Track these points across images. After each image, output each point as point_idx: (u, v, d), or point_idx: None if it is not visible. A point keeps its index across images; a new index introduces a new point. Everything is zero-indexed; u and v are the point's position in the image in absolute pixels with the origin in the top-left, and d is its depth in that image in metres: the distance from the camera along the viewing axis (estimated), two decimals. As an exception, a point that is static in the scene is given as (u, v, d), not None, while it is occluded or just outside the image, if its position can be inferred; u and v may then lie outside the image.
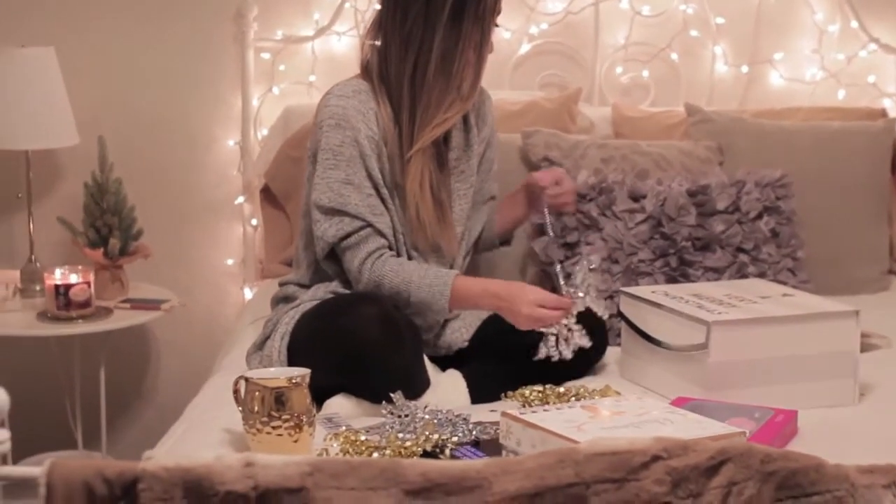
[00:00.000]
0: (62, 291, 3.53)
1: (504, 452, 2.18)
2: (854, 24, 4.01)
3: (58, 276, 3.54)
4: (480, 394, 2.74)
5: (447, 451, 2.24)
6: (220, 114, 4.00)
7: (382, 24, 2.79)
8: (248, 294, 3.97)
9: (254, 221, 3.97)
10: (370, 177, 2.73)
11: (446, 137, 2.88)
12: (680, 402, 2.49)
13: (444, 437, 2.25)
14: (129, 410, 4.12)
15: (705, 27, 4.01)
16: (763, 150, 3.61)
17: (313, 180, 2.75)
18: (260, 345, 2.84)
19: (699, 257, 3.20)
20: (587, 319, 2.82)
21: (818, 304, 2.79)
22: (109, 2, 3.93)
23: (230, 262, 4.05)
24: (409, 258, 2.81)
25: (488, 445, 2.26)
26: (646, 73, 4.02)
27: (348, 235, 2.72)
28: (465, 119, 2.92)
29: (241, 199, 3.98)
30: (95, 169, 3.75)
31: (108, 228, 3.71)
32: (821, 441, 2.43)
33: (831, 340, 2.70)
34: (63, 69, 3.72)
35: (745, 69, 4.04)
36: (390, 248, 2.76)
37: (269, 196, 3.86)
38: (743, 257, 3.23)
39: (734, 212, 3.26)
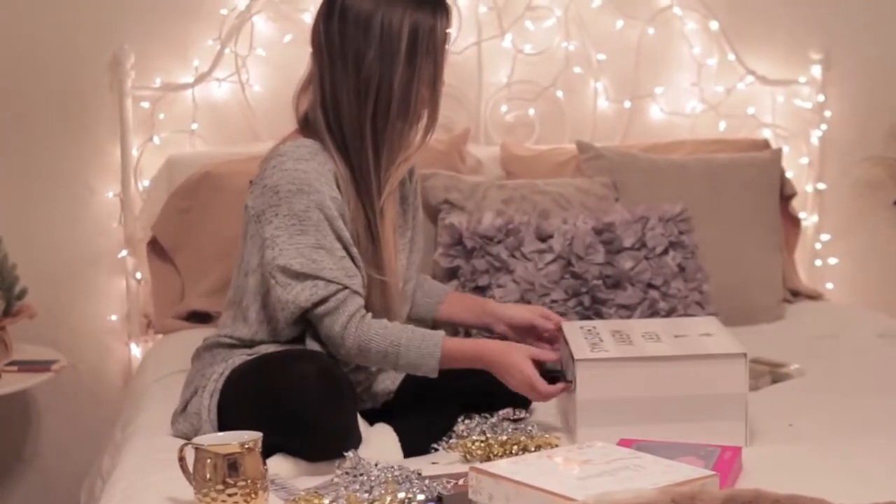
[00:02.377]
0: (-54, 357, 3.38)
1: (473, 508, 2.13)
2: (731, 56, 4.08)
3: (-59, 342, 3.39)
4: (410, 446, 2.69)
5: (412, 510, 2.18)
6: (98, 165, 3.87)
7: (326, 75, 2.70)
8: (135, 350, 3.85)
9: (138, 275, 3.85)
10: (340, 238, 2.65)
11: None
12: (624, 444, 2.47)
13: (409, 495, 2.18)
14: (12, 476, 3.95)
15: (587, 64, 4.04)
16: (656, 184, 3.65)
17: (276, 245, 2.62)
18: (184, 407, 2.73)
19: (611, 295, 3.20)
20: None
21: (708, 346, 2.74)
22: (-18, 52, 3.79)
23: (114, 317, 3.92)
24: None
25: (453, 501, 2.20)
26: (531, 111, 4.03)
27: (324, 300, 2.63)
28: (407, 195, 2.87)
29: (124, 253, 3.85)
30: (-26, 228, 3.59)
31: (-9, 289, 3.55)
32: (768, 476, 2.43)
33: (717, 382, 2.65)
34: (-67, 127, 3.58)
35: (627, 104, 4.07)
36: (366, 308, 2.69)
37: (155, 248, 3.75)
38: (653, 293, 3.24)
39: (641, 248, 3.28)
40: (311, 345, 2.71)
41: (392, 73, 2.67)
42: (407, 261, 2.90)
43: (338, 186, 2.68)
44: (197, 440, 2.25)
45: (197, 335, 3.05)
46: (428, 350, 2.65)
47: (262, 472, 2.21)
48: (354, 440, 2.60)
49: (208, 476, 2.18)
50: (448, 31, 2.74)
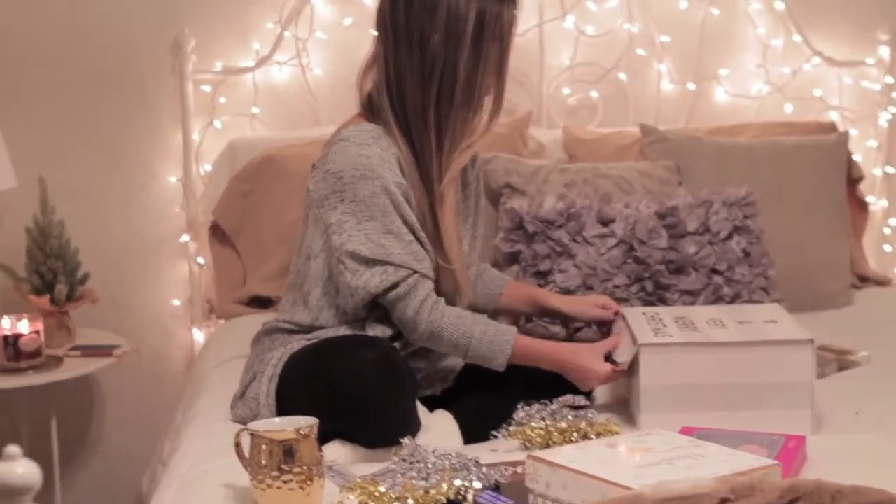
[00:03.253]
0: (11, 342, 3.40)
1: (531, 496, 2.10)
2: (797, 38, 4.01)
3: (6, 326, 3.40)
4: (470, 433, 2.66)
5: (469, 498, 2.15)
6: (160, 149, 3.88)
7: (391, 59, 2.67)
8: (197, 335, 3.85)
9: (200, 260, 3.85)
10: (406, 223, 2.63)
11: None
12: (687, 432, 2.43)
13: (465, 482, 2.16)
14: (78, 460, 3.97)
15: (650, 45, 3.99)
16: (721, 168, 3.59)
17: (344, 231, 2.61)
18: (243, 392, 2.73)
19: (674, 280, 3.16)
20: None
21: (774, 332, 2.70)
22: (44, 39, 3.79)
23: (176, 302, 3.93)
24: None
25: (511, 489, 2.18)
26: (594, 94, 3.98)
27: (395, 286, 2.61)
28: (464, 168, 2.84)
29: (185, 238, 3.85)
30: (37, 212, 3.60)
31: (53, 274, 3.56)
32: (834, 465, 2.38)
33: (783, 369, 2.61)
34: (-3, 109, 3.59)
35: (691, 86, 4.01)
36: (437, 294, 2.67)
37: (217, 233, 3.75)
38: (717, 279, 3.19)
39: (704, 233, 3.22)
40: (373, 329, 2.69)
41: (457, 57, 2.64)
42: (469, 247, 2.88)
43: (402, 171, 2.66)
44: (252, 426, 2.24)
45: (258, 320, 3.04)
46: (499, 346, 2.65)
47: (318, 459, 2.19)
48: (414, 427, 2.59)
49: (264, 462, 2.16)
50: (514, 16, 2.71)
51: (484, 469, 2.25)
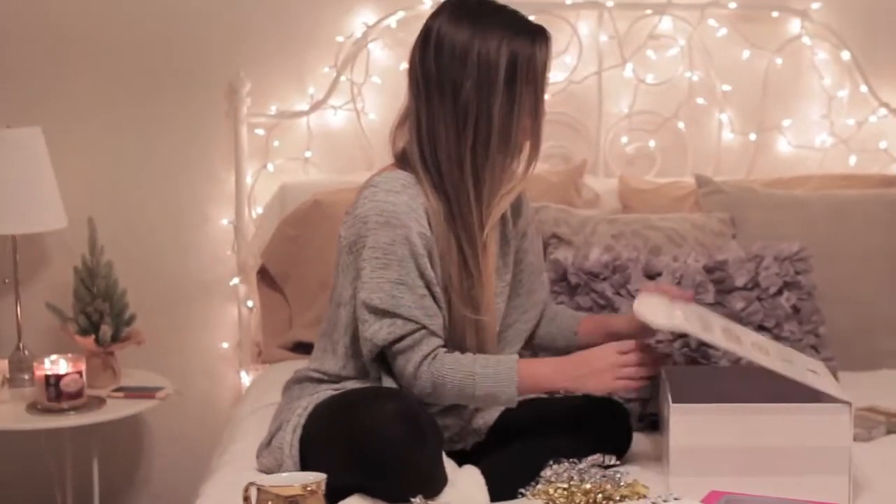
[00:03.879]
0: (52, 382, 3.41)
1: (536, 562, 2.04)
2: (864, 88, 3.91)
3: (48, 366, 3.41)
4: (499, 490, 2.60)
5: (476, 560, 2.09)
6: (212, 192, 3.88)
7: (423, 109, 2.62)
8: (245, 378, 3.83)
9: (249, 303, 3.83)
10: (422, 276, 2.57)
11: None
12: (714, 497, 2.36)
13: (471, 545, 2.11)
14: (122, 501, 3.97)
15: (711, 95, 3.91)
16: (776, 221, 3.51)
17: (361, 278, 2.57)
18: (269, 441, 2.69)
19: (719, 337, 3.07)
20: (608, 405, 2.73)
21: (814, 381, 2.60)
22: (97, 79, 3.82)
23: (225, 345, 3.92)
24: None
25: (519, 553, 2.12)
26: (652, 143, 3.92)
27: (401, 339, 2.56)
28: (503, 214, 2.77)
29: (235, 281, 3.84)
30: (85, 252, 3.62)
31: (100, 314, 3.57)
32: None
33: (820, 434, 2.51)
34: (50, 149, 3.62)
35: (752, 137, 3.93)
36: (444, 348, 2.62)
37: (265, 277, 3.73)
38: (764, 335, 3.09)
39: (753, 288, 3.14)
40: (388, 382, 2.64)
41: (491, 103, 2.59)
42: (507, 305, 2.81)
43: (428, 222, 2.61)
44: (260, 480, 2.20)
45: (301, 366, 3.00)
46: (504, 375, 2.57)
47: (325, 516, 2.14)
48: (438, 482, 2.53)
49: (269, 518, 2.13)
50: (547, 57, 2.65)
51: (497, 530, 2.19)
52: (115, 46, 3.81)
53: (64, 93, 3.81)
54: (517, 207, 2.85)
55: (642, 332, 2.77)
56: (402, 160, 2.69)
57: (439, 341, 2.59)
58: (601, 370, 2.62)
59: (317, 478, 2.17)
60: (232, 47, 3.83)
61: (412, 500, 2.28)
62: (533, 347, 2.96)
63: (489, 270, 2.68)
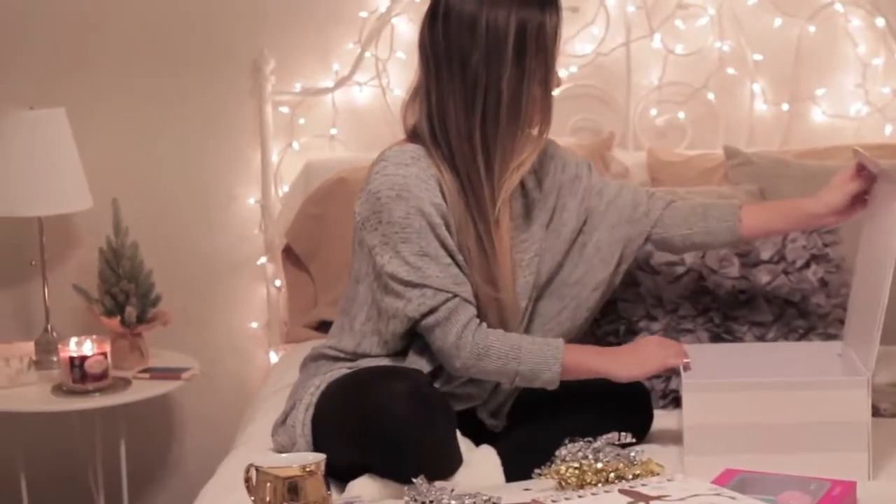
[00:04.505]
0: (77, 364, 3.41)
1: (536, 543, 2.01)
2: (899, 56, 3.83)
3: (72, 348, 3.41)
4: (515, 470, 2.56)
5: (476, 543, 2.06)
6: (238, 171, 3.87)
7: (432, 83, 2.57)
8: (274, 358, 3.81)
9: (277, 282, 3.82)
10: (444, 245, 2.52)
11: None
12: (728, 475, 2.31)
13: (471, 527, 2.07)
14: (155, 482, 3.98)
15: (742, 64, 3.84)
16: (807, 192, 3.35)
17: (382, 254, 2.53)
18: (284, 419, 2.67)
19: (744, 312, 3.01)
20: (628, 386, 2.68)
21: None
22: (120, 59, 3.81)
23: (254, 325, 3.91)
24: None
25: (520, 534, 2.08)
26: (682, 115, 3.85)
27: (433, 310, 2.50)
28: (523, 184, 2.72)
29: (263, 260, 3.82)
30: (110, 233, 3.61)
31: (125, 295, 3.57)
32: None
33: (837, 409, 2.45)
34: (74, 130, 3.61)
35: (785, 107, 3.86)
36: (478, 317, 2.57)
37: (290, 256, 3.71)
38: (790, 310, 3.04)
39: (779, 261, 3.07)
40: (415, 359, 2.61)
41: (500, 74, 2.53)
42: (529, 275, 2.76)
43: (442, 195, 2.57)
44: (259, 461, 2.17)
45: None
46: (551, 353, 2.53)
47: (325, 496, 2.12)
48: (451, 462, 2.50)
49: (268, 499, 2.11)
50: (558, 26, 2.59)
51: (500, 511, 2.16)
52: (138, 26, 3.80)
53: (87, 73, 3.80)
54: (546, 170, 2.77)
55: (843, 213, 2.74)
56: (413, 136, 2.65)
57: (473, 309, 2.54)
58: (650, 357, 2.60)
59: (316, 458, 2.14)
60: (255, 25, 3.81)
61: (414, 480, 2.24)
62: (681, 251, 2.93)
63: (503, 247, 2.62)
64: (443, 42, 2.57)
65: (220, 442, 3.79)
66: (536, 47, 2.55)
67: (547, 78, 2.59)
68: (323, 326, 3.54)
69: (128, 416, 3.64)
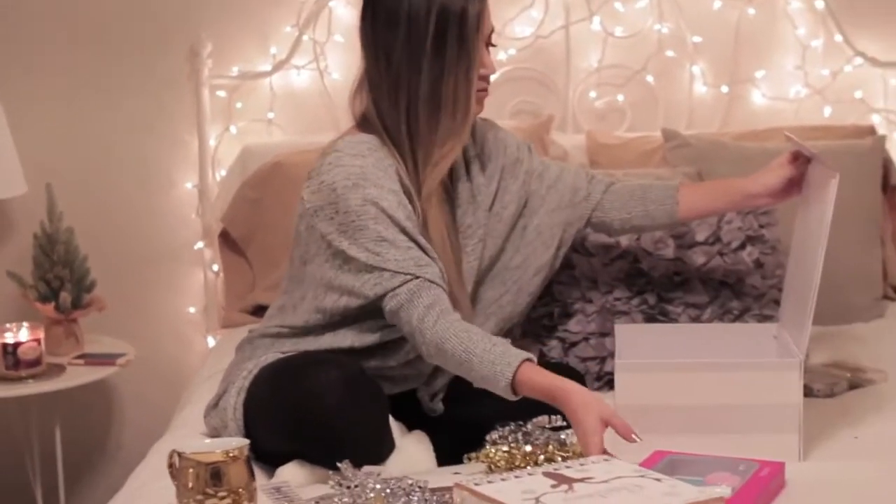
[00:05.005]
0: (10, 350, 3.39)
1: (460, 527, 1.99)
2: (838, 37, 3.82)
3: (5, 334, 3.38)
4: (447, 454, 2.54)
5: (398, 527, 2.04)
6: (175, 155, 3.83)
7: (370, 73, 2.57)
8: (212, 343, 3.79)
9: (215, 267, 3.78)
10: (403, 230, 2.48)
11: (450, 192, 2.67)
12: (657, 456, 2.30)
13: (394, 511, 2.05)
14: (92, 468, 3.94)
15: (682, 47, 3.84)
16: (744, 174, 3.36)
17: (341, 244, 2.49)
18: (216, 402, 2.64)
19: (679, 293, 3.01)
20: (561, 369, 2.65)
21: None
22: (55, 42, 3.76)
23: (192, 310, 3.87)
24: None
25: (445, 518, 2.07)
26: (621, 98, 3.84)
27: (393, 293, 2.45)
28: (468, 169, 2.71)
29: (200, 245, 3.79)
30: (44, 218, 3.56)
31: (60, 281, 3.53)
32: (816, 496, 2.25)
33: (768, 391, 2.44)
34: (8, 115, 3.57)
35: (724, 89, 3.86)
36: (447, 297, 2.50)
37: (227, 240, 3.68)
38: (726, 291, 3.03)
39: (715, 243, 3.07)
40: (361, 339, 2.57)
41: (419, 68, 2.51)
42: (478, 265, 2.72)
43: (401, 182, 2.54)
44: (181, 446, 2.14)
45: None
46: (500, 368, 2.37)
47: (248, 482, 2.09)
48: (383, 449, 2.49)
49: (190, 485, 2.07)
50: (481, 12, 2.54)
51: (426, 495, 2.14)
52: (73, 9, 3.76)
53: (21, 57, 3.75)
54: (488, 154, 2.75)
55: (779, 195, 2.76)
56: (362, 123, 2.62)
57: (439, 290, 2.46)
58: (582, 442, 2.32)
59: (239, 444, 2.10)
60: (193, 8, 3.77)
61: (339, 464, 2.23)
62: (619, 234, 2.93)
63: (436, 242, 2.58)
64: (371, 35, 2.56)
65: (158, 427, 3.73)
66: (458, 36, 2.51)
67: (469, 69, 2.55)
68: (260, 311, 3.50)
69: (63, 402, 3.61)
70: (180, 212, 3.84)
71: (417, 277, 2.46)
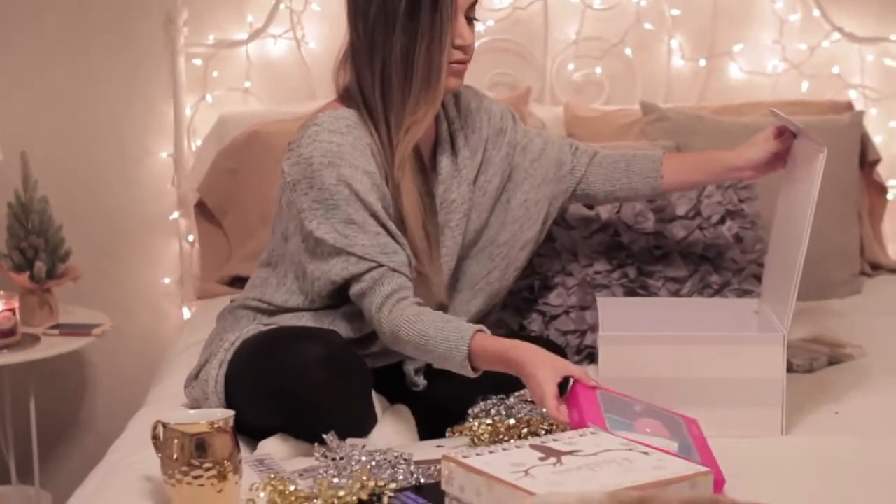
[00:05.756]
0: (-16, 320, 3.33)
1: (447, 499, 1.98)
2: (816, 12, 3.83)
3: (-21, 304, 3.34)
4: (429, 428, 2.55)
5: (385, 500, 2.03)
6: (151, 124, 3.80)
7: (352, 45, 2.55)
8: (187, 314, 3.77)
9: (190, 237, 3.76)
10: (373, 214, 2.47)
11: (434, 165, 2.65)
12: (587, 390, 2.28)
13: (380, 483, 2.04)
14: (67, 440, 3.92)
15: (660, 20, 3.84)
16: (722, 148, 3.38)
17: (311, 219, 2.48)
18: (197, 373, 2.62)
19: (659, 267, 3.01)
20: (541, 343, 2.66)
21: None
22: (29, 9, 3.71)
23: (167, 280, 3.85)
24: None
25: (431, 490, 2.06)
26: (599, 70, 3.84)
27: (357, 278, 2.46)
28: (453, 143, 2.69)
29: (176, 215, 3.77)
30: (18, 187, 3.53)
31: (34, 250, 3.49)
32: (795, 469, 2.27)
33: (751, 366, 2.45)
34: (-18, 83, 3.53)
35: (702, 63, 3.86)
36: (409, 287, 2.50)
37: (203, 211, 3.65)
38: (705, 266, 3.04)
39: (695, 217, 3.07)
40: (338, 326, 2.56)
41: (391, 33, 2.49)
42: (454, 244, 2.69)
43: (376, 162, 2.53)
44: (166, 417, 2.13)
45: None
46: (455, 344, 2.39)
47: (233, 454, 2.08)
48: (366, 423, 2.49)
49: (175, 456, 2.06)
50: None
51: (412, 467, 2.14)
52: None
53: (-7, 24, 3.72)
54: (472, 125, 2.74)
55: (762, 169, 2.76)
56: (345, 96, 2.60)
57: (402, 279, 2.48)
58: (533, 389, 2.35)
59: (224, 415, 2.09)
60: (169, -24, 3.74)
61: (324, 437, 2.22)
62: (602, 203, 2.95)
63: (408, 215, 2.56)
64: (353, 4, 2.54)
65: (133, 399, 3.71)
66: (431, 6, 2.49)
67: (442, 36, 2.52)
68: (237, 282, 3.50)
69: (37, 373, 3.58)
70: (156, 181, 3.81)
71: (381, 266, 2.47)
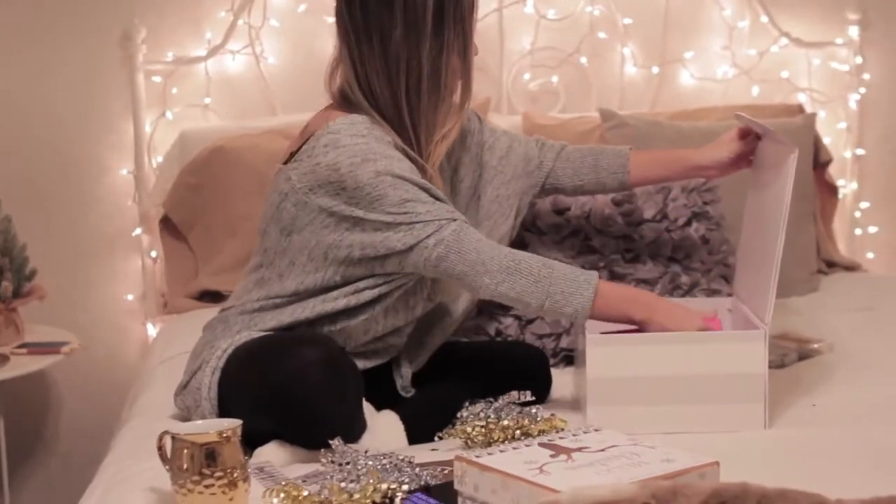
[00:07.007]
0: (-48, 341, 3.32)
1: (460, 499, 2.02)
2: (764, 18, 3.92)
3: (-53, 325, 3.33)
4: (417, 433, 2.58)
5: (397, 500, 2.06)
6: (111, 142, 3.80)
7: (356, 58, 2.57)
8: (152, 330, 3.77)
9: (153, 254, 3.77)
10: (424, 189, 2.50)
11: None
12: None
13: (392, 485, 2.08)
14: (32, 460, 3.90)
15: (613, 28, 3.90)
16: None
17: (360, 219, 2.49)
18: (187, 382, 2.63)
19: (630, 270, 3.07)
20: (520, 346, 2.72)
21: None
22: (-13, 26, 3.71)
23: (130, 297, 3.85)
24: None
25: (440, 491, 2.09)
26: (555, 79, 3.90)
27: (437, 238, 2.47)
28: (441, 164, 2.73)
29: (138, 231, 3.77)
30: (-19, 208, 3.52)
31: (0, 270, 3.48)
32: (784, 461, 2.33)
33: (735, 362, 2.51)
34: (-60, 103, 3.51)
35: (655, 70, 3.93)
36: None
37: (168, 226, 3.66)
38: (675, 267, 3.10)
39: (662, 220, 3.13)
40: (356, 297, 2.58)
41: (420, 47, 2.53)
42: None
43: (406, 155, 2.57)
44: (174, 428, 2.15)
45: (208, 314, 2.92)
46: (585, 277, 2.49)
47: (242, 462, 2.10)
48: (357, 429, 2.50)
49: (185, 466, 2.08)
50: None
51: (416, 470, 2.17)
52: (8, -3, 3.72)
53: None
54: (454, 146, 2.78)
55: (726, 168, 2.83)
56: (343, 102, 2.62)
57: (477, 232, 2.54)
58: (674, 316, 2.54)
59: (232, 424, 2.12)
60: (125, -8, 3.75)
61: (331, 442, 2.24)
62: (571, 195, 3.00)
63: None
64: (361, 18, 2.55)
65: (98, 417, 3.76)
66: (454, 18, 2.55)
67: (466, 48, 2.60)
68: (206, 296, 3.51)
69: (4, 393, 3.57)
70: (116, 199, 3.81)
71: (456, 220, 2.50)
